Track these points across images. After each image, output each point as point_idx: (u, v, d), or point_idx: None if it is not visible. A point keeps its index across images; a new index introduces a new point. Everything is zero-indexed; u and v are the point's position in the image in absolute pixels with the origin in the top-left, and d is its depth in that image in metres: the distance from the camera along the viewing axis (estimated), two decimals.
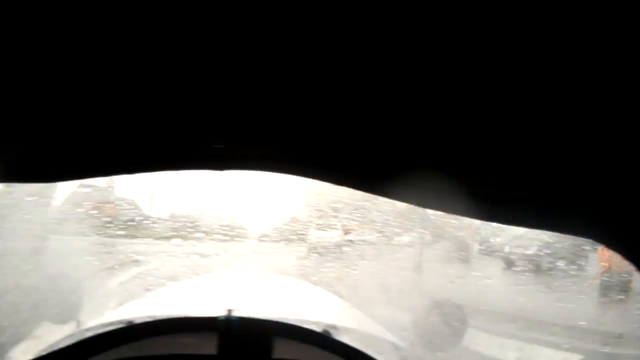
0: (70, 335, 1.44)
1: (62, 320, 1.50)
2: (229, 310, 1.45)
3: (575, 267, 3.70)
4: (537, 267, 4.13)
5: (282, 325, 1.46)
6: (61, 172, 0.59)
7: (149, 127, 0.60)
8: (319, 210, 4.69)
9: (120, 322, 1.44)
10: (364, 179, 0.57)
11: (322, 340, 1.43)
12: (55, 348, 1.27)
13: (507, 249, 4.83)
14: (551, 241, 3.82)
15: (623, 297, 3.54)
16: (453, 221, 3.91)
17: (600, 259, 3.58)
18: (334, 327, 1.46)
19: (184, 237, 4.40)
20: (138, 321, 1.42)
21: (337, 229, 4.86)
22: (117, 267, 3.67)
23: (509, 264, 4.62)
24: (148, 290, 2.06)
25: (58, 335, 1.46)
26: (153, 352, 1.41)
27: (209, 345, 1.42)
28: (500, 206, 0.56)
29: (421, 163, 0.57)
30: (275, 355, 1.44)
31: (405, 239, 4.52)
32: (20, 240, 2.98)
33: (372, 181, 0.57)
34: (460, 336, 1.55)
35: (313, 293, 2.06)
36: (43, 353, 1.21)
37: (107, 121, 0.60)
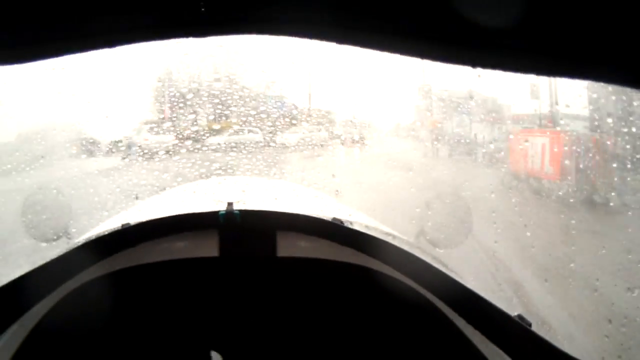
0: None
1: (53, 229, 1.40)
2: (230, 204, 1.35)
3: None
4: None
5: (286, 216, 1.36)
6: (34, 49, 0.51)
7: None
8: None
9: (112, 227, 1.35)
10: (356, 33, 0.51)
11: (331, 229, 1.34)
12: (48, 259, 1.19)
13: None
14: None
15: None
16: None
17: None
18: (340, 220, 1.38)
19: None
20: (134, 223, 1.33)
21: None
22: None
23: None
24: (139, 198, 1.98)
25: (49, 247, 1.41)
26: (152, 260, 1.35)
27: (209, 247, 1.36)
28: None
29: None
30: (279, 254, 1.38)
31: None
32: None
33: (368, 35, 0.51)
34: (467, 231, 1.50)
35: (313, 194, 1.99)
36: (35, 266, 1.14)
37: None
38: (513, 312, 1.01)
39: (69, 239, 1.41)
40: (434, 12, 0.47)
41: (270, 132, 3.96)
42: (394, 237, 1.42)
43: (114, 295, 1.33)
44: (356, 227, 1.37)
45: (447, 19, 0.47)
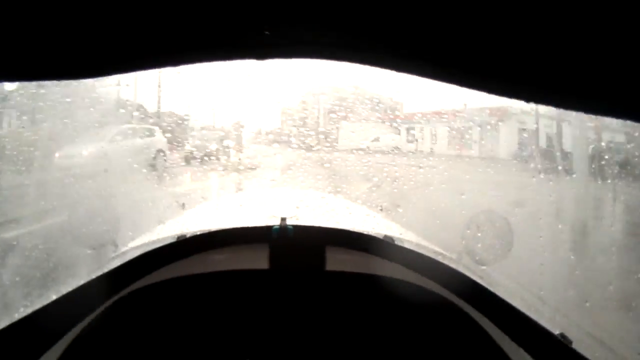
0: (116, 256, 1.39)
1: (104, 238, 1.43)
2: (284, 220, 1.37)
3: None
4: None
5: (337, 232, 1.38)
6: (86, 66, 0.49)
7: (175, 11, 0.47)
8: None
9: (167, 238, 1.37)
10: (421, 61, 0.49)
11: (381, 246, 1.35)
12: (102, 270, 1.21)
13: None
14: None
15: None
16: None
17: None
18: (391, 237, 1.39)
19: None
20: (189, 235, 1.35)
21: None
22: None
23: None
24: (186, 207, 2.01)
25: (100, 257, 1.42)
26: (202, 270, 1.37)
27: (259, 260, 1.38)
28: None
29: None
30: (328, 267, 1.39)
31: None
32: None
33: (425, 63, 0.50)
34: (508, 248, 1.49)
35: (358, 210, 2.00)
36: (88, 279, 1.16)
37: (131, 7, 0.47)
38: (555, 331, 1.02)
39: (116, 247, 1.42)
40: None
41: None
42: (444, 256, 1.43)
43: (163, 305, 1.34)
44: (406, 245, 1.38)
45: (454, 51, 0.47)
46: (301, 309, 1.40)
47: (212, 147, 4.36)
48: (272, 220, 1.39)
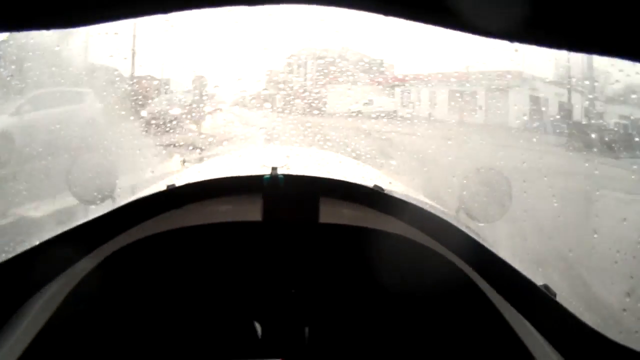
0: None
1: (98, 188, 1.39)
2: (274, 169, 1.35)
3: None
4: None
5: (329, 182, 1.37)
6: (70, 12, 0.46)
7: None
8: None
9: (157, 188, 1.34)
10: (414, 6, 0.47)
11: (373, 197, 1.35)
12: (92, 217, 1.18)
13: None
14: None
15: None
16: None
17: None
18: (380, 187, 1.38)
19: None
20: (179, 185, 1.32)
21: None
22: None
23: None
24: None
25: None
26: (195, 222, 1.35)
27: (253, 211, 1.37)
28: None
29: None
30: (322, 220, 1.39)
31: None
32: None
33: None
34: (506, 206, 1.51)
35: (354, 164, 1.99)
36: (78, 223, 1.13)
37: None
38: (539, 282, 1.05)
39: (114, 201, 1.39)
40: None
41: None
42: (433, 207, 1.44)
43: (156, 257, 1.34)
44: (396, 195, 1.38)
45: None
46: (295, 263, 1.40)
47: (175, 112, 3.89)
48: (263, 169, 1.36)
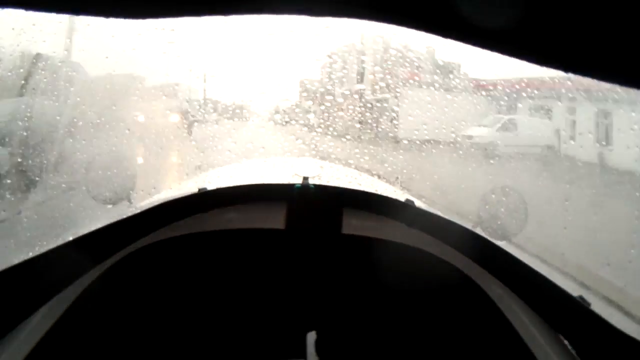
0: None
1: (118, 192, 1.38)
2: (306, 178, 1.37)
3: None
4: None
5: (355, 193, 1.37)
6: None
7: None
8: None
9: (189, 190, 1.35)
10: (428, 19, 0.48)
11: (400, 209, 1.33)
12: (119, 218, 1.18)
13: None
14: None
15: None
16: None
17: None
18: (412, 201, 1.37)
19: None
20: (209, 188, 1.33)
21: None
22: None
23: None
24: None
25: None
26: (216, 227, 1.36)
27: (276, 220, 1.37)
28: None
29: None
30: (344, 231, 1.38)
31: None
32: None
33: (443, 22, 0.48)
34: (523, 224, 1.43)
35: (376, 183, 1.97)
36: (100, 226, 1.12)
37: None
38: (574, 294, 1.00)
39: (130, 203, 1.38)
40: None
41: None
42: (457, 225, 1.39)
43: (173, 262, 1.35)
44: (427, 210, 1.36)
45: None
46: (316, 272, 1.40)
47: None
48: (294, 179, 1.39)
